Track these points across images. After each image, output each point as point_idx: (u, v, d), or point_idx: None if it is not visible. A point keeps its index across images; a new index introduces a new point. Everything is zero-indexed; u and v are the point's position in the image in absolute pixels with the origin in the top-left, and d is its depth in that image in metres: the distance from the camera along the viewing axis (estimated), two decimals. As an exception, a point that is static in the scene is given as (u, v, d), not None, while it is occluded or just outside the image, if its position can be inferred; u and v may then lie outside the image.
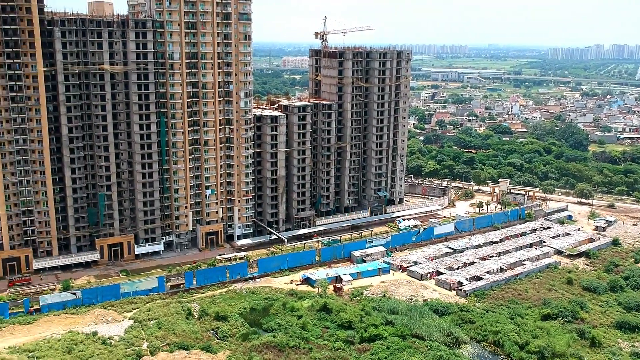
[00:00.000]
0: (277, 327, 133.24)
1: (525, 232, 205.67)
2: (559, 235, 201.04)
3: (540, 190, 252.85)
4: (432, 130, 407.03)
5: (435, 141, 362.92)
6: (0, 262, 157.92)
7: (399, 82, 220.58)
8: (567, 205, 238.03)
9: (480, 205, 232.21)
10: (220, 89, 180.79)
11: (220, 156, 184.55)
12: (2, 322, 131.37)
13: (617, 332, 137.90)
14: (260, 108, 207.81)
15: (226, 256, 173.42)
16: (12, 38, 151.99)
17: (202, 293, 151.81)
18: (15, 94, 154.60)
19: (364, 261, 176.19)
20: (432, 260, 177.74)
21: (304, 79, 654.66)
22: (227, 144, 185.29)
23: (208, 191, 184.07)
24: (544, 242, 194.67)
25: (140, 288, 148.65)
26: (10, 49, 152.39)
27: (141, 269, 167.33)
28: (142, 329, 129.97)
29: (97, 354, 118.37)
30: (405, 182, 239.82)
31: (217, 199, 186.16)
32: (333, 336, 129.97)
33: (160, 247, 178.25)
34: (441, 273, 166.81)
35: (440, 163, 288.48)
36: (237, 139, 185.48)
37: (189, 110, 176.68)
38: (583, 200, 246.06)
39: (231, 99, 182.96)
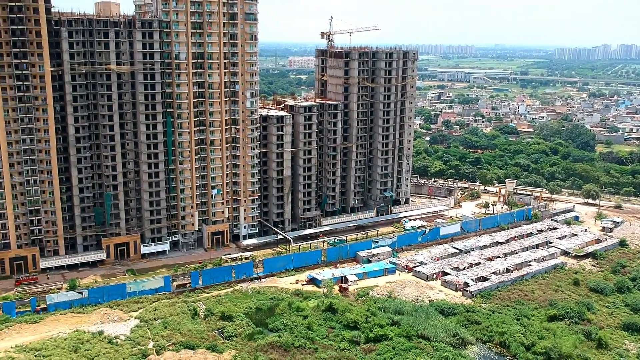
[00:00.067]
0: (282, 327, 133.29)
1: (531, 233, 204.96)
2: (565, 236, 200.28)
3: (547, 191, 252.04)
4: (439, 130, 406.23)
5: (442, 141, 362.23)
6: (7, 261, 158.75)
7: (405, 82, 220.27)
8: (574, 206, 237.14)
9: (486, 205, 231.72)
10: (226, 89, 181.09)
11: (226, 156, 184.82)
12: (9, 321, 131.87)
13: (624, 333, 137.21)
14: (266, 108, 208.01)
15: (232, 256, 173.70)
16: (20, 38, 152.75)
17: (208, 293, 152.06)
18: (22, 93, 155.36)
19: (370, 261, 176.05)
20: (438, 260, 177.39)
21: (310, 79, 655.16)
22: (233, 144, 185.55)
23: (214, 191, 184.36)
24: (551, 242, 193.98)
25: (146, 287, 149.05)
26: (18, 49, 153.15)
27: (147, 268, 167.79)
28: (148, 329, 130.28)
29: (103, 353, 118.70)
30: (411, 182, 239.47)
31: (223, 199, 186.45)
32: (338, 336, 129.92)
33: (166, 246, 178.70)
34: (447, 273, 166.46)
35: (447, 163, 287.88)
36: (243, 139, 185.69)
37: (195, 110, 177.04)
38: (590, 201, 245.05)
39: (237, 99, 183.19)
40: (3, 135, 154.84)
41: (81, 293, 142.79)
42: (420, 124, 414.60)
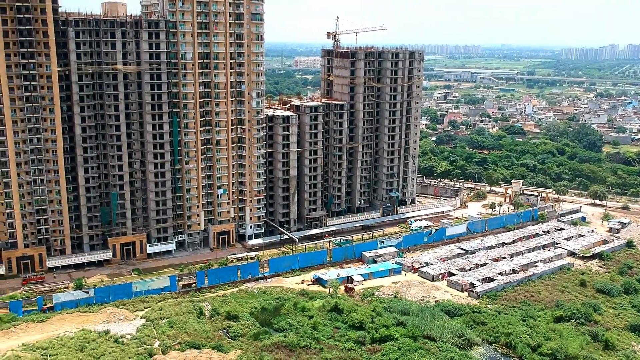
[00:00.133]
0: (288, 327, 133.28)
1: (538, 234, 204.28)
2: (572, 237, 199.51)
3: (554, 192, 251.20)
4: (445, 130, 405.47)
5: (448, 142, 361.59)
6: (14, 260, 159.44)
7: (411, 82, 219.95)
8: (581, 206, 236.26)
9: (492, 206, 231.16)
10: (232, 89, 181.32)
11: (232, 156, 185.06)
12: (16, 320, 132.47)
13: (630, 334, 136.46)
14: (272, 108, 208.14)
15: (237, 256, 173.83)
16: (27, 38, 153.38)
17: (214, 292, 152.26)
18: (29, 93, 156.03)
19: (375, 262, 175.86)
20: (443, 261, 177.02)
21: (315, 79, 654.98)
22: (239, 144, 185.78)
23: (220, 191, 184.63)
24: (557, 243, 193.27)
25: (152, 287, 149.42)
26: (25, 49, 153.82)
27: (153, 268, 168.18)
28: (154, 328, 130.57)
29: (109, 352, 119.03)
30: (417, 182, 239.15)
31: (228, 199, 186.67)
32: (344, 336, 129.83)
33: (172, 246, 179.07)
34: (453, 274, 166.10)
35: (453, 164, 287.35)
36: (249, 139, 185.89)
37: (201, 110, 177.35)
38: (597, 201, 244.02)
39: (243, 99, 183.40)
40: (10, 135, 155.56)
41: (87, 292, 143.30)
42: (426, 124, 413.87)
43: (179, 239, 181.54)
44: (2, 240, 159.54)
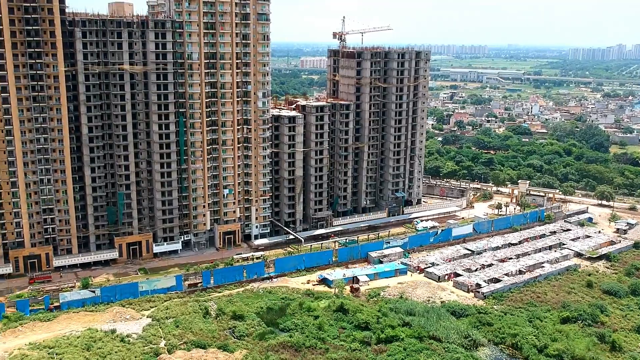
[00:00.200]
0: (293, 327, 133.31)
1: (544, 234, 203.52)
2: (578, 238, 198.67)
3: (560, 192, 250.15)
4: (451, 130, 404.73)
5: (454, 142, 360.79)
6: (21, 259, 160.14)
7: (417, 82, 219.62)
8: (588, 207, 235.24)
9: (499, 206, 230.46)
10: (238, 89, 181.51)
11: (238, 156, 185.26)
12: (23, 319, 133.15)
13: (638, 336, 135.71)
14: (278, 108, 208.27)
15: (243, 256, 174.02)
16: (34, 38, 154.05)
17: (220, 292, 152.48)
18: (36, 93, 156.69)
19: (381, 262, 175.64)
20: (449, 261, 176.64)
21: (321, 79, 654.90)
22: (244, 144, 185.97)
23: (226, 191, 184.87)
24: (564, 244, 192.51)
25: (158, 286, 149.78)
26: (33, 49, 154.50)
27: (159, 267, 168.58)
28: (160, 327, 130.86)
29: (116, 352, 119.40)
30: (423, 183, 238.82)
31: (234, 199, 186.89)
32: (350, 337, 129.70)
33: (178, 246, 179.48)
34: (459, 275, 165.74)
35: (459, 164, 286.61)
36: (255, 139, 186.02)
37: (208, 110, 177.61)
38: (604, 202, 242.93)
39: (249, 99, 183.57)
40: (18, 135, 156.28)
41: (94, 291, 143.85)
42: (432, 124, 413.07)
43: (185, 238, 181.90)
44: (10, 240, 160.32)
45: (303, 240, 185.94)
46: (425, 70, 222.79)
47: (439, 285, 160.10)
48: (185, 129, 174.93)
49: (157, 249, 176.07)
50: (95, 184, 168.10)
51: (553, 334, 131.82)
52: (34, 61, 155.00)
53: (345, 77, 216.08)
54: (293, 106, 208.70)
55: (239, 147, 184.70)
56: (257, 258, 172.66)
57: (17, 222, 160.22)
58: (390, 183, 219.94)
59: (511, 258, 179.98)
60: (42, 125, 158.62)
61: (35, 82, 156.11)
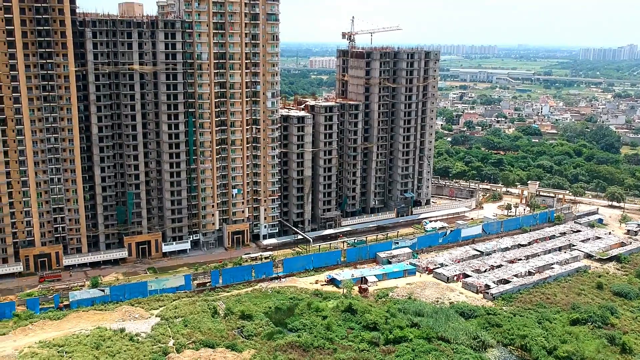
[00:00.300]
0: (302, 327, 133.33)
1: (554, 235, 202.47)
2: (589, 239, 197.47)
3: (570, 193, 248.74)
4: (460, 131, 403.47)
5: (463, 142, 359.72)
6: (31, 258, 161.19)
7: (426, 82, 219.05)
8: (598, 208, 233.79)
9: (508, 207, 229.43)
10: (247, 89, 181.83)
11: (247, 156, 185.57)
12: (33, 317, 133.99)
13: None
14: (287, 108, 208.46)
15: (252, 255, 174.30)
16: (45, 39, 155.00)
17: (228, 292, 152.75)
18: (47, 93, 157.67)
19: (390, 262, 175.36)
20: (458, 262, 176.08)
21: (331, 79, 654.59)
22: (253, 144, 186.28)
23: (235, 191, 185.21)
24: (574, 245, 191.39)
25: (167, 286, 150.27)
26: (43, 49, 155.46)
27: (168, 267, 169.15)
28: (169, 327, 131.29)
29: (125, 350, 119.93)
30: (432, 183, 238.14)
31: (243, 199, 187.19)
32: (358, 337, 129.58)
33: (187, 245, 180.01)
34: (468, 275, 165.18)
35: (468, 164, 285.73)
36: (264, 139, 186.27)
37: (217, 110, 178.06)
38: (614, 203, 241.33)
39: (258, 99, 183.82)
40: (29, 135, 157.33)
41: (103, 290, 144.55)
42: (441, 124, 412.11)
43: (194, 238, 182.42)
44: (20, 239, 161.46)
45: (311, 240, 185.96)
46: (435, 71, 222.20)
47: (447, 286, 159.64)
48: (194, 129, 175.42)
49: (166, 248, 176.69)
50: (105, 183, 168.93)
51: (562, 336, 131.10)
52: (44, 61, 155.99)
53: (354, 77, 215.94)
54: (302, 106, 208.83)
55: (248, 147, 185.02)
56: (265, 258, 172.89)
57: (28, 221, 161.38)
58: (399, 183, 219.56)
59: (520, 259, 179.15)
60: (53, 125, 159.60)
61: (46, 82, 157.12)
